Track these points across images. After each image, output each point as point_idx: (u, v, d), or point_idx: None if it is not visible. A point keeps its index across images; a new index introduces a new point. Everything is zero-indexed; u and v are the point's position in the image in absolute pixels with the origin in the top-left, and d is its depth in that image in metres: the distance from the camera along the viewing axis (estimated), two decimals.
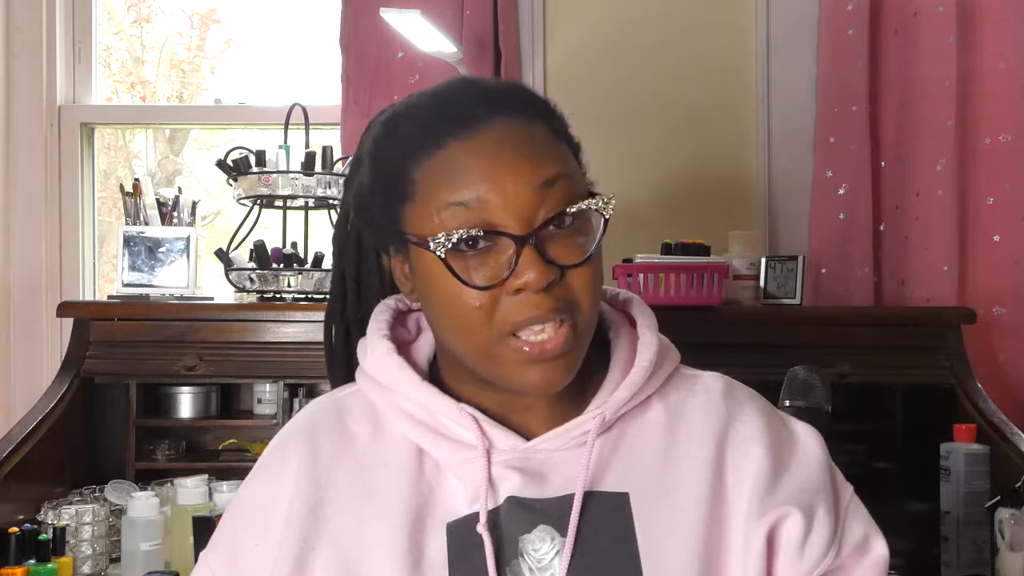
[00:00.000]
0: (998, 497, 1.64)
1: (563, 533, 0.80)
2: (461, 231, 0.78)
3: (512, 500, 0.81)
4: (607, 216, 0.82)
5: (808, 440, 0.90)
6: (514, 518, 0.81)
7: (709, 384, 0.91)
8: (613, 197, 0.83)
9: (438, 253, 0.78)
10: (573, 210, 0.80)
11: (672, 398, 0.89)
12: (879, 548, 0.87)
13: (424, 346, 0.93)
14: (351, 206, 0.93)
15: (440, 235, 0.78)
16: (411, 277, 0.87)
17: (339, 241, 0.98)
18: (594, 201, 0.81)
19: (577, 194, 0.81)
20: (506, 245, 0.79)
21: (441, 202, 0.80)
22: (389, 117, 0.88)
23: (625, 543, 0.80)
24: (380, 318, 0.92)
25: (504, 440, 0.84)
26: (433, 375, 0.90)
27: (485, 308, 0.79)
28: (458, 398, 0.85)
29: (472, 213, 0.79)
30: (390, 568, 0.79)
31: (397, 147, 0.84)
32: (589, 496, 0.81)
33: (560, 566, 0.79)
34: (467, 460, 0.83)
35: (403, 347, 0.91)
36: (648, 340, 0.89)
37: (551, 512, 0.81)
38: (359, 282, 0.97)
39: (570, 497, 0.81)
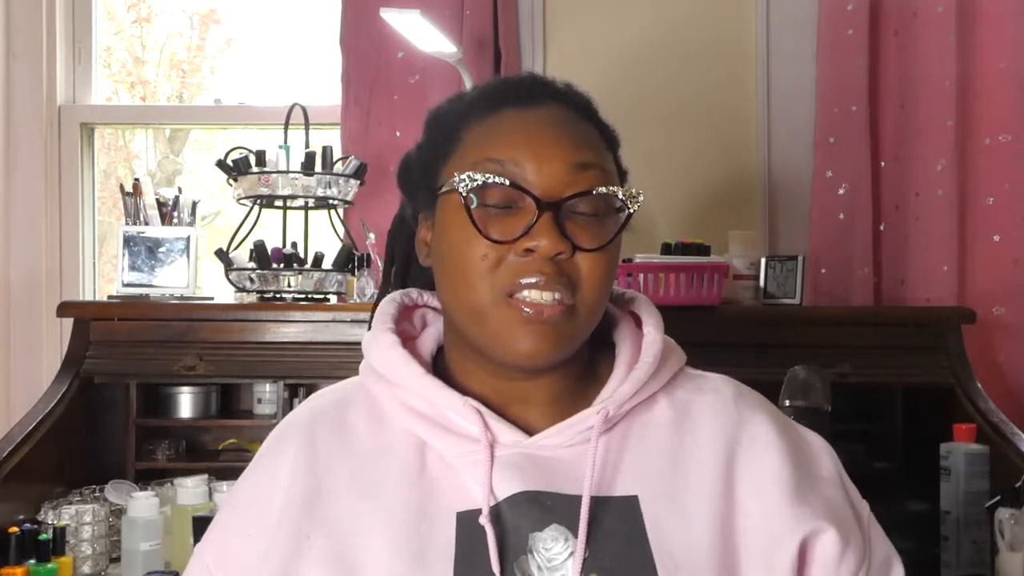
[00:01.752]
0: (998, 497, 1.63)
1: (576, 534, 0.79)
2: (488, 176, 0.81)
3: (521, 495, 0.81)
4: (632, 210, 0.85)
5: (823, 454, 0.90)
6: (523, 514, 0.80)
7: (718, 386, 0.91)
8: (641, 194, 0.85)
9: (460, 190, 0.82)
10: (601, 191, 0.83)
11: (679, 396, 0.89)
12: (899, 571, 0.88)
13: (428, 341, 0.94)
14: (397, 178, 0.95)
15: (466, 174, 0.82)
16: (431, 242, 0.89)
17: (395, 219, 1.01)
18: (621, 190, 0.84)
19: (609, 186, 0.84)
20: (527, 210, 0.81)
21: (481, 156, 0.83)
22: (455, 94, 0.92)
23: (638, 546, 0.79)
24: (386, 312, 0.93)
25: (508, 434, 0.84)
26: (437, 370, 0.90)
27: (490, 262, 0.82)
28: (461, 390, 0.86)
29: (505, 170, 0.82)
30: (387, 559, 0.79)
31: (455, 111, 0.89)
32: (600, 501, 0.81)
33: (573, 569, 0.78)
34: (470, 453, 0.83)
35: (407, 341, 0.91)
36: (653, 338, 0.89)
37: (563, 512, 0.80)
38: (407, 256, 0.99)
39: (580, 498, 0.80)
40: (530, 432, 0.85)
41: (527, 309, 0.81)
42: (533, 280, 0.80)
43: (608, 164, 0.87)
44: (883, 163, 2.29)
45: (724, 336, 1.91)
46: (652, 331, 0.90)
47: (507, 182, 0.81)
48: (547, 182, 0.82)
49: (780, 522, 0.82)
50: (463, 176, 0.82)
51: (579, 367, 0.89)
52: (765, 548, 0.82)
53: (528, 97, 0.86)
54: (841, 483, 0.89)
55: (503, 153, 0.83)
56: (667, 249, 2.01)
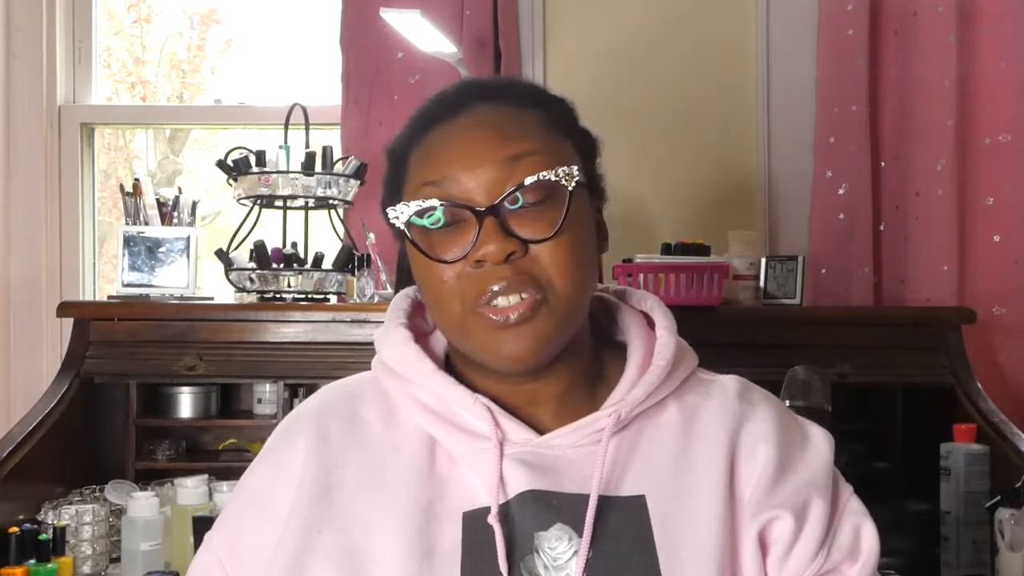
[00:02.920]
0: (998, 497, 1.64)
1: (581, 533, 0.79)
2: (418, 202, 0.82)
3: (527, 494, 0.81)
4: (570, 188, 0.82)
5: (820, 442, 0.90)
6: (529, 513, 0.80)
7: (725, 385, 0.91)
8: (576, 168, 0.83)
9: (397, 224, 0.83)
10: (531, 180, 0.80)
11: (689, 400, 0.89)
12: (868, 542, 0.86)
13: (441, 337, 0.93)
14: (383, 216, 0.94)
15: (400, 206, 0.83)
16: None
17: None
18: (552, 172, 0.81)
19: (549, 169, 0.81)
20: (471, 222, 0.81)
21: (419, 183, 0.83)
22: (409, 116, 0.91)
23: (643, 547, 0.79)
24: (398, 307, 0.93)
25: (517, 433, 0.84)
26: (449, 367, 0.90)
27: (451, 283, 0.82)
28: (472, 389, 0.86)
29: (440, 190, 0.82)
30: (395, 557, 0.79)
31: (400, 142, 0.88)
32: (606, 500, 0.81)
33: (576, 568, 0.78)
34: (480, 451, 0.83)
35: (420, 337, 0.91)
36: (666, 341, 0.89)
37: (568, 511, 0.80)
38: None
39: (587, 498, 0.80)
40: (540, 431, 0.85)
41: (494, 316, 0.80)
42: (496, 288, 0.80)
43: (552, 146, 0.84)
44: (883, 163, 2.29)
45: (724, 336, 1.90)
46: (665, 334, 0.89)
47: (437, 202, 0.81)
48: (484, 187, 0.81)
49: (749, 511, 0.82)
50: (398, 210, 0.83)
51: (585, 364, 0.89)
52: (746, 538, 0.82)
53: (453, 108, 0.85)
54: (831, 468, 0.87)
55: (436, 173, 0.82)
56: (667, 249, 2.01)
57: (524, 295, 0.80)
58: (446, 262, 0.81)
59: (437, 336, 0.94)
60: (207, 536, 0.90)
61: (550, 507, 0.80)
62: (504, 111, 0.84)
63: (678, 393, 0.89)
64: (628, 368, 0.88)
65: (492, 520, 0.79)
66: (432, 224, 0.82)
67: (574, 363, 0.87)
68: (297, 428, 0.89)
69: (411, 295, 0.94)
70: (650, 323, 0.93)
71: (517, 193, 0.80)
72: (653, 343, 0.90)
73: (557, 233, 0.81)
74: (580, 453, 0.83)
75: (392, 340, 0.89)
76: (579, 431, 0.84)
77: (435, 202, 0.81)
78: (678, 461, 0.84)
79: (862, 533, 0.86)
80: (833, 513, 0.85)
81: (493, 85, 0.88)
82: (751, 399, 0.90)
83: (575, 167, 0.82)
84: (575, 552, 0.79)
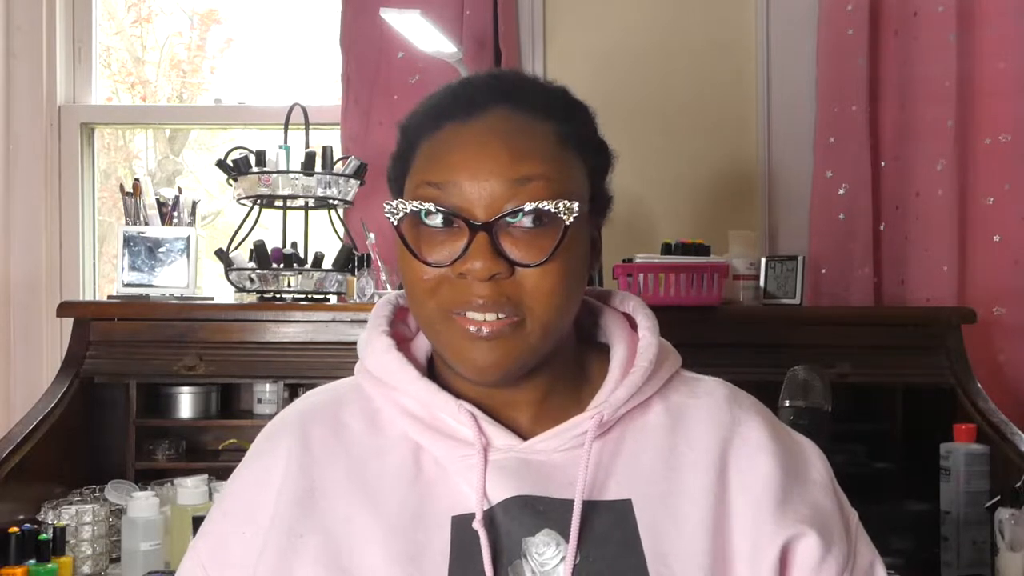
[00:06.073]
0: (998, 497, 1.64)
1: (568, 538, 0.79)
2: (415, 203, 0.81)
3: (514, 500, 0.81)
4: (567, 223, 0.80)
5: (815, 459, 0.90)
6: (516, 518, 0.80)
7: (712, 388, 0.91)
8: (577, 204, 0.80)
9: (391, 220, 0.82)
10: (530, 207, 0.79)
11: (673, 400, 0.89)
12: (881, 574, 0.88)
13: (423, 343, 0.93)
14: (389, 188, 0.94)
15: (398, 202, 0.82)
16: None
17: None
18: (553, 204, 0.79)
19: (553, 198, 0.80)
20: (464, 231, 0.80)
21: (420, 179, 0.83)
22: (427, 95, 0.90)
23: (631, 551, 0.79)
24: (380, 314, 0.92)
25: (501, 438, 0.84)
26: (432, 372, 0.90)
27: (430, 285, 0.81)
28: (455, 394, 0.85)
29: (442, 193, 0.81)
30: (383, 564, 0.79)
31: (412, 124, 0.87)
32: (592, 505, 0.81)
33: (564, 573, 0.78)
34: (464, 457, 0.83)
35: (402, 343, 0.91)
36: (649, 342, 0.89)
37: (555, 516, 0.80)
38: None
39: (572, 503, 0.80)
40: (523, 435, 0.85)
41: (468, 326, 0.80)
42: (475, 313, 0.79)
43: (560, 168, 0.82)
44: (883, 163, 2.29)
45: (724, 336, 1.91)
46: (648, 334, 0.89)
47: (433, 208, 0.80)
48: (485, 201, 0.79)
49: (765, 525, 0.82)
50: (394, 205, 0.82)
51: (567, 368, 0.89)
52: (751, 550, 0.82)
53: (470, 106, 0.83)
54: (832, 489, 0.89)
55: (441, 176, 0.81)
56: (667, 249, 2.01)
57: (501, 315, 0.79)
58: (430, 265, 0.81)
59: (418, 342, 0.93)
60: (191, 543, 0.89)
61: (537, 512, 0.80)
62: (519, 120, 0.82)
63: (662, 393, 0.89)
64: (611, 369, 0.88)
65: (477, 525, 0.79)
66: (425, 218, 0.82)
67: (553, 370, 0.87)
68: (279, 433, 0.88)
69: (393, 301, 0.94)
70: (633, 324, 0.93)
71: (514, 215, 0.79)
72: (636, 344, 0.89)
73: (546, 261, 0.80)
74: (565, 457, 0.83)
75: (375, 347, 0.89)
76: (562, 435, 0.84)
77: (432, 207, 0.80)
78: (665, 462, 0.84)
79: (876, 569, 0.87)
80: (848, 535, 0.86)
81: (515, 87, 0.86)
82: (741, 404, 0.90)
83: (576, 203, 0.80)
84: (563, 558, 0.79)
